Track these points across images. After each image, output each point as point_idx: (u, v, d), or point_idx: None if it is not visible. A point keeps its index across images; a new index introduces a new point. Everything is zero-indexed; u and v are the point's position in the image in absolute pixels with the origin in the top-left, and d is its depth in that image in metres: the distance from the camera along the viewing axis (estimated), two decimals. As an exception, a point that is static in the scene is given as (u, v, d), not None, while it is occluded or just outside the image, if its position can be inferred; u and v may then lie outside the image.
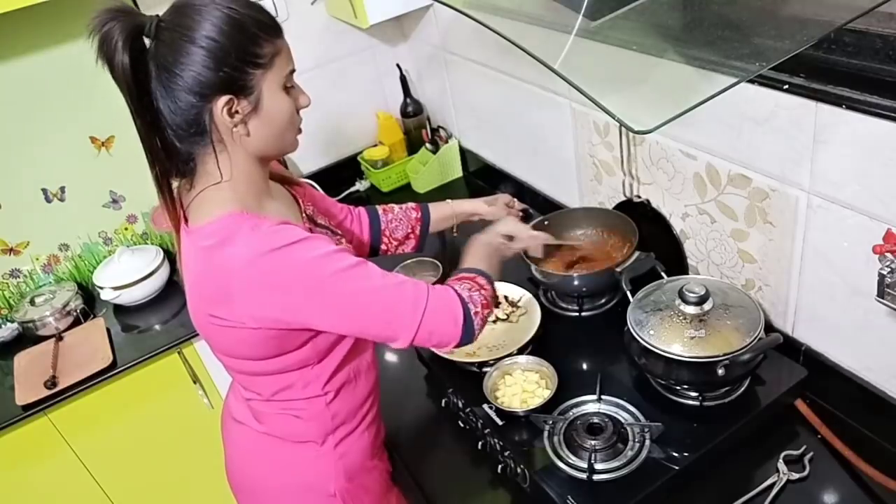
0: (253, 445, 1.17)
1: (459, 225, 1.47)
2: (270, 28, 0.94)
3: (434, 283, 1.57)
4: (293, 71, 0.99)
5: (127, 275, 1.90)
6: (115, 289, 1.89)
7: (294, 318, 0.96)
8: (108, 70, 0.89)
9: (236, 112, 0.93)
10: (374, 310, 0.98)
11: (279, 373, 1.05)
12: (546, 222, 1.60)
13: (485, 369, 1.33)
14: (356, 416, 1.15)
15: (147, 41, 0.90)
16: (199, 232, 0.97)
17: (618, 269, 1.39)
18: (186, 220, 1.00)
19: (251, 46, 0.91)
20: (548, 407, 1.24)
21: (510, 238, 1.29)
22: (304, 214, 1.13)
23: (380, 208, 1.41)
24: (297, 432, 1.12)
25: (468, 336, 1.04)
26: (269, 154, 1.02)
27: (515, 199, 1.50)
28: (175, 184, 1.01)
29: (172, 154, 0.97)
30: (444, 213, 1.44)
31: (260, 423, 1.14)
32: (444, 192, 2.22)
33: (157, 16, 0.91)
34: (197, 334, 1.79)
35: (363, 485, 1.18)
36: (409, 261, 1.75)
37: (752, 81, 1.09)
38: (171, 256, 2.02)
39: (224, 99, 0.91)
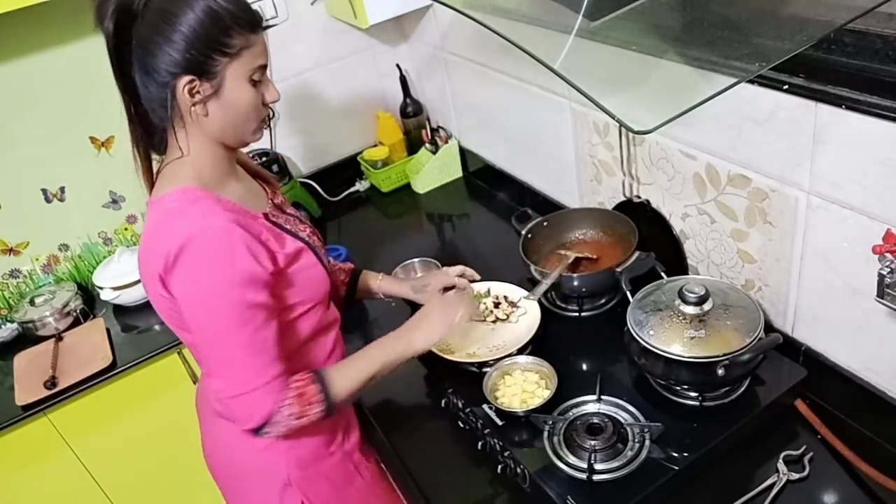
0: (213, 428, 1.22)
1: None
2: (245, 22, 1.00)
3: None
4: (264, 66, 1.04)
5: (127, 275, 1.89)
6: (115, 289, 1.89)
7: (179, 306, 1.01)
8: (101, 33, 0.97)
9: (197, 93, 0.99)
10: (224, 352, 1.03)
11: None
12: (546, 223, 1.60)
13: (485, 369, 1.33)
14: None
15: (136, 14, 0.96)
16: (155, 204, 1.04)
17: (618, 270, 1.39)
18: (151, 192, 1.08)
19: (221, 36, 0.97)
20: (548, 407, 1.24)
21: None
22: (270, 202, 1.18)
23: None
24: None
25: (254, 433, 1.07)
26: (226, 139, 1.07)
27: (467, 269, 1.51)
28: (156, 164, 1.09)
29: (146, 124, 1.05)
30: (369, 286, 1.49)
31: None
32: (444, 192, 2.22)
33: None
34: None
35: (320, 473, 1.21)
36: (409, 260, 1.75)
37: (752, 81, 1.09)
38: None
39: (187, 79, 0.98)
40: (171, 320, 1.09)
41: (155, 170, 1.10)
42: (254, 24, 1.01)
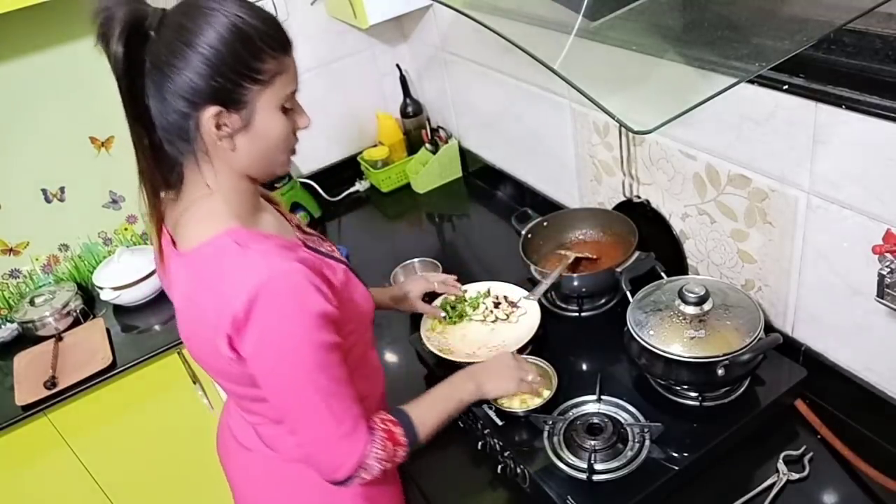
0: (267, 473, 1.11)
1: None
2: (278, 44, 0.89)
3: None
4: (295, 91, 0.94)
5: (126, 275, 1.90)
6: (115, 289, 1.88)
7: (247, 360, 0.91)
8: (104, 56, 0.85)
9: (224, 125, 0.89)
10: (306, 403, 0.93)
11: None
12: (546, 223, 1.60)
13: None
14: None
15: (150, 33, 0.86)
16: (195, 255, 0.92)
17: (618, 270, 1.39)
18: (173, 238, 0.96)
19: (252, 60, 0.86)
20: (548, 407, 1.24)
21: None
22: (293, 224, 1.11)
23: None
24: None
25: (340, 484, 0.99)
26: (254, 174, 0.97)
27: (449, 277, 1.48)
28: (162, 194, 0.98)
29: (160, 156, 0.93)
30: None
31: (273, 449, 1.09)
32: (444, 192, 2.22)
33: (163, 10, 0.87)
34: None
35: (374, 500, 1.13)
36: (409, 261, 1.75)
37: (751, 81, 1.09)
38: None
39: (213, 110, 0.87)
40: (226, 375, 1.00)
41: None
42: (285, 44, 0.90)
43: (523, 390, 1.22)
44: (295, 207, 2.12)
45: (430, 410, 1.09)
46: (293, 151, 0.99)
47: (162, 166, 0.94)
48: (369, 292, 1.12)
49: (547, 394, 1.25)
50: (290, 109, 0.94)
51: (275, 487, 1.12)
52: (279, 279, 0.88)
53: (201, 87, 0.85)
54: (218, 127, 0.88)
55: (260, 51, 0.87)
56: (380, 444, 0.98)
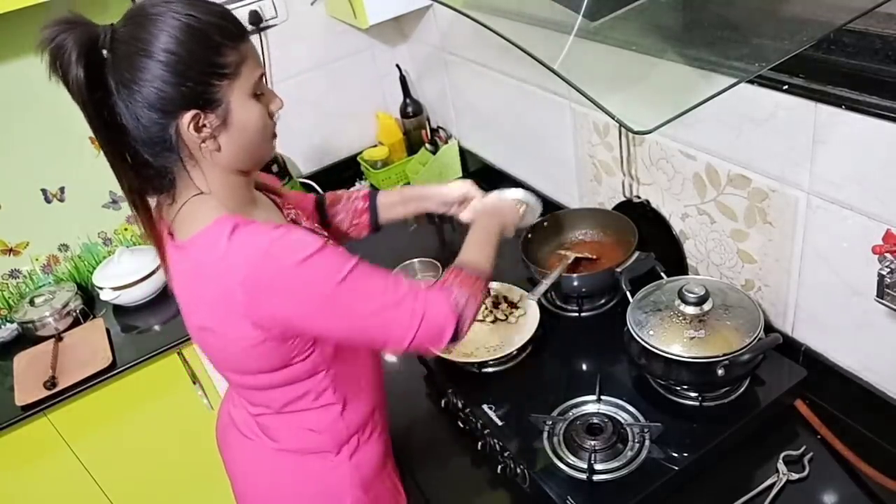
0: (265, 462, 1.12)
1: (424, 217, 1.42)
2: (233, 34, 0.88)
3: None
4: (262, 75, 0.94)
5: (126, 275, 1.90)
6: (115, 289, 1.88)
7: (293, 323, 0.92)
8: (62, 85, 0.84)
9: (204, 126, 0.89)
10: (372, 320, 0.95)
11: (289, 383, 1.02)
12: (546, 223, 1.60)
13: (484, 369, 1.33)
14: (369, 424, 1.12)
15: (105, 53, 0.85)
16: (190, 245, 0.93)
17: (617, 270, 1.39)
18: (172, 235, 0.97)
19: (214, 57, 0.86)
20: (545, 405, 1.23)
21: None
22: (287, 220, 1.10)
23: (329, 197, 1.35)
24: (311, 445, 1.09)
25: (451, 344, 1.00)
26: (243, 167, 0.97)
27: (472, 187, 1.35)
28: (153, 202, 0.98)
29: (147, 169, 0.93)
30: (391, 199, 1.36)
31: (272, 439, 1.10)
32: (443, 192, 2.22)
33: (112, 25, 0.86)
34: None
35: (377, 495, 1.14)
36: (409, 261, 1.75)
37: (751, 82, 1.09)
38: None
39: (190, 114, 0.87)
40: (237, 364, 1.00)
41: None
42: (241, 32, 0.90)
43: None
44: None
45: (477, 247, 1.12)
46: (275, 135, 1.00)
47: (152, 179, 0.94)
48: None
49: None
50: (261, 95, 0.94)
51: (273, 477, 1.12)
52: (280, 238, 0.89)
53: (172, 94, 0.85)
54: (198, 130, 0.89)
55: (219, 45, 0.87)
56: (455, 286, 1.00)
